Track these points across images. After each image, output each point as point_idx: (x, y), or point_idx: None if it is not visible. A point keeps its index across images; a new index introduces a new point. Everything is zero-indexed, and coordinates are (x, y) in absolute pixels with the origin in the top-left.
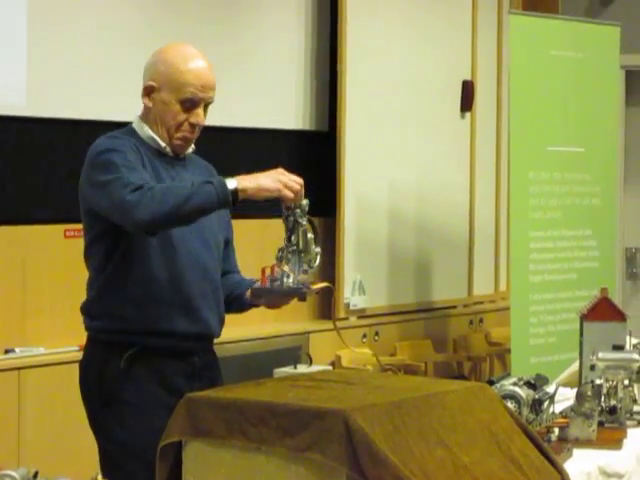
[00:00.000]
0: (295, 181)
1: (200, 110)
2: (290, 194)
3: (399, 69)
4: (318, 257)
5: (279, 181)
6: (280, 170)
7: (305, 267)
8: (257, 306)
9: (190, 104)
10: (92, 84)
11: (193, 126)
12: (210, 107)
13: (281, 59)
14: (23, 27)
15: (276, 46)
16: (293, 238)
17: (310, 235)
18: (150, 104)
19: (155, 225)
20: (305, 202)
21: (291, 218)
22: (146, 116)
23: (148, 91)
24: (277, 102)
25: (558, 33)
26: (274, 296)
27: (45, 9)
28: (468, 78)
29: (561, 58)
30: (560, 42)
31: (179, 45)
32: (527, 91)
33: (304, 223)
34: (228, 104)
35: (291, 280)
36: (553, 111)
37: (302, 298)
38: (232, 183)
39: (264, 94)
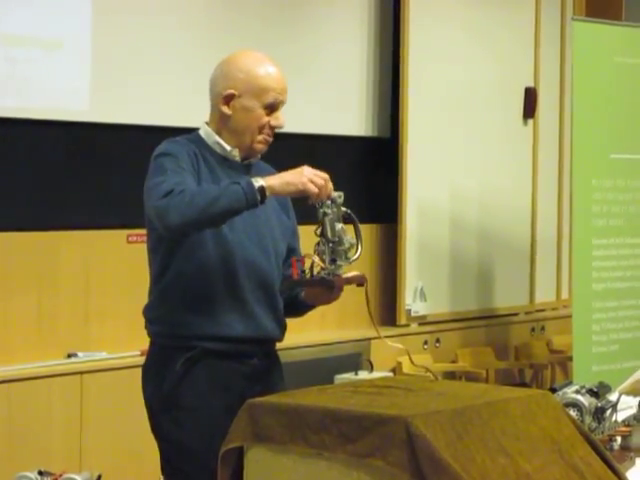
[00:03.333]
0: (319, 176)
1: (280, 113)
2: (314, 188)
3: (461, 75)
4: (357, 249)
5: (303, 175)
6: (306, 167)
7: (342, 258)
8: (313, 306)
9: (272, 108)
10: (155, 89)
11: (272, 128)
12: None
13: (344, 65)
14: (87, 32)
15: (339, 52)
16: (323, 229)
17: (340, 225)
18: (230, 112)
19: (186, 227)
20: (337, 194)
21: (321, 210)
22: (221, 124)
23: (228, 99)
24: (339, 108)
25: (622, 40)
26: (306, 287)
27: (109, 14)
28: (531, 85)
29: (625, 65)
30: (624, 49)
31: (248, 52)
32: (590, 98)
33: (329, 212)
34: (290, 110)
35: (324, 272)
36: (616, 118)
37: (330, 288)
38: (259, 181)
39: (326, 100)
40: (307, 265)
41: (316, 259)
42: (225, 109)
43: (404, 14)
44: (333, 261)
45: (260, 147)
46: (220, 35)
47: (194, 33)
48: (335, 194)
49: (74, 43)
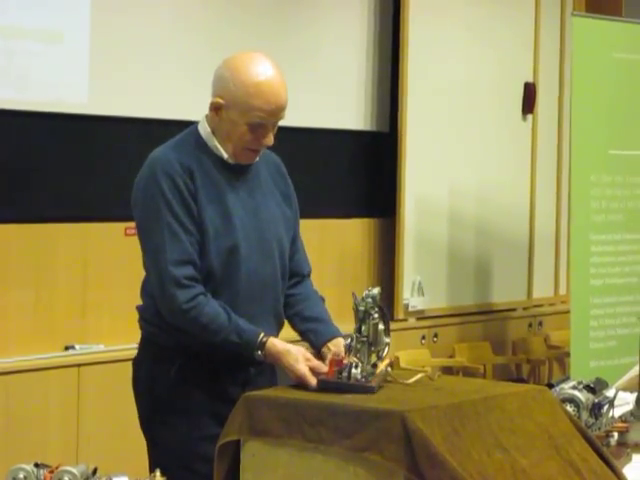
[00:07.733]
0: (311, 376)
1: (269, 133)
2: (308, 384)
3: (461, 71)
4: (387, 348)
5: (297, 376)
6: (302, 357)
7: (374, 359)
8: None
9: (258, 127)
10: (154, 82)
11: (261, 145)
12: None
13: (343, 59)
14: (86, 25)
15: (338, 46)
16: (363, 329)
17: (381, 327)
18: (217, 119)
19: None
20: (377, 290)
21: (362, 308)
22: (214, 126)
23: (216, 107)
24: (338, 102)
25: (621, 35)
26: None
27: (108, 7)
28: (530, 80)
29: (624, 61)
30: (623, 44)
31: (251, 59)
32: (589, 94)
33: (376, 316)
34: (290, 103)
35: (359, 371)
36: (615, 114)
37: (371, 393)
38: (267, 357)
39: (325, 94)
40: (326, 364)
41: (355, 361)
42: (213, 115)
43: (404, 9)
44: (374, 366)
45: (245, 160)
46: (219, 29)
47: (193, 26)
48: (375, 291)
49: (73, 36)
